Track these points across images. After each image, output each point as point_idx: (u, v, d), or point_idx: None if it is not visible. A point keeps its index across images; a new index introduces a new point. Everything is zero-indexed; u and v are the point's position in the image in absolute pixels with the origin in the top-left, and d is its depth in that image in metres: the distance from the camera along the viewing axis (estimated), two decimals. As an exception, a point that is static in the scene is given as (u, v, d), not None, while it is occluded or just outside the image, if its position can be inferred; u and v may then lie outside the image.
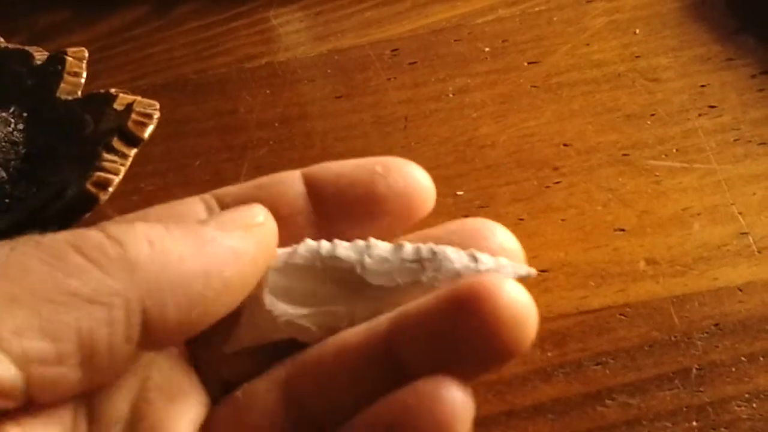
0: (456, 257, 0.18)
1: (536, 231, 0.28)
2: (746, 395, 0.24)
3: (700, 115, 0.31)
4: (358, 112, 0.33)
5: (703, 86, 0.31)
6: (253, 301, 0.19)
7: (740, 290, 0.26)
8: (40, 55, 0.33)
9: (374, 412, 0.16)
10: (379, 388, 0.17)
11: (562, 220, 0.28)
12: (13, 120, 0.31)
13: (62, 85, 0.31)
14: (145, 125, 0.29)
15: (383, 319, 0.18)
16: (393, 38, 0.36)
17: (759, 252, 0.27)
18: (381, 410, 0.16)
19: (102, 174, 0.27)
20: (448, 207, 0.29)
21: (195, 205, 0.20)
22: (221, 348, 0.19)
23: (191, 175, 0.32)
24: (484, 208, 0.29)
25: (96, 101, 0.30)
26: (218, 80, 0.36)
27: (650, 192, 0.29)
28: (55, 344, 0.15)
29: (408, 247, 0.19)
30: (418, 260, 0.18)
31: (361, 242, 0.19)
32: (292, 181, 0.20)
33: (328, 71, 0.35)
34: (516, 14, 0.36)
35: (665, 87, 0.32)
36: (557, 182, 0.29)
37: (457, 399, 0.16)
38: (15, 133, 0.31)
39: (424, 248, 0.19)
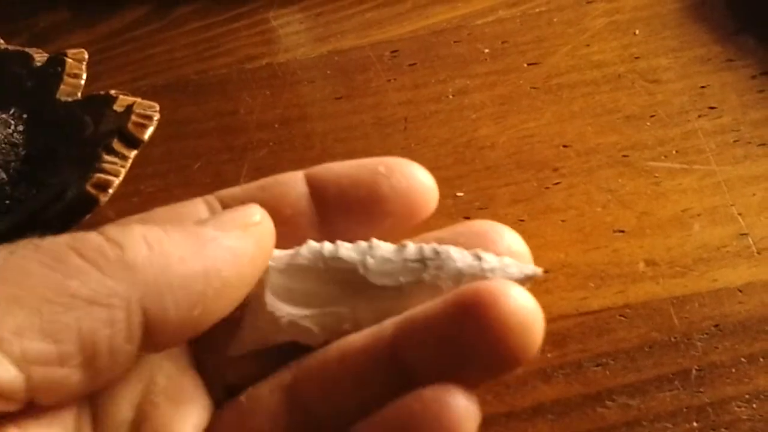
0: (459, 256, 0.18)
1: (536, 232, 0.28)
2: (746, 396, 0.24)
3: (700, 116, 0.31)
4: (358, 114, 0.33)
5: (703, 87, 0.31)
6: (255, 303, 0.19)
7: (740, 291, 0.26)
8: (40, 57, 0.33)
9: (379, 418, 0.16)
10: (384, 393, 0.17)
11: (562, 221, 0.28)
12: (13, 122, 0.31)
13: (62, 86, 0.31)
14: (145, 127, 0.29)
15: (388, 324, 0.18)
16: (393, 39, 0.36)
17: (759, 253, 0.27)
18: (386, 416, 0.16)
19: (102, 176, 0.27)
20: (448, 208, 0.29)
21: (198, 206, 0.20)
22: (225, 352, 0.19)
23: (191, 177, 0.32)
24: (484, 209, 0.29)
25: (96, 103, 0.30)
26: (219, 81, 0.36)
27: (650, 193, 0.29)
28: (56, 345, 0.15)
29: (411, 247, 0.19)
30: (421, 260, 0.18)
31: (363, 243, 0.19)
32: (294, 182, 0.20)
33: (328, 72, 0.35)
34: (516, 15, 0.36)
35: (665, 88, 0.32)
36: (557, 183, 0.29)
37: (462, 406, 0.16)
38: (15, 134, 0.31)
39: (427, 248, 0.19)
